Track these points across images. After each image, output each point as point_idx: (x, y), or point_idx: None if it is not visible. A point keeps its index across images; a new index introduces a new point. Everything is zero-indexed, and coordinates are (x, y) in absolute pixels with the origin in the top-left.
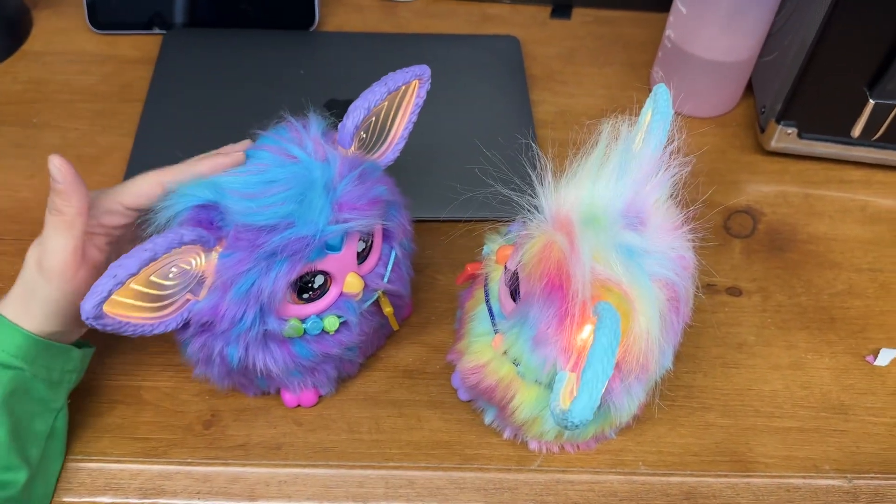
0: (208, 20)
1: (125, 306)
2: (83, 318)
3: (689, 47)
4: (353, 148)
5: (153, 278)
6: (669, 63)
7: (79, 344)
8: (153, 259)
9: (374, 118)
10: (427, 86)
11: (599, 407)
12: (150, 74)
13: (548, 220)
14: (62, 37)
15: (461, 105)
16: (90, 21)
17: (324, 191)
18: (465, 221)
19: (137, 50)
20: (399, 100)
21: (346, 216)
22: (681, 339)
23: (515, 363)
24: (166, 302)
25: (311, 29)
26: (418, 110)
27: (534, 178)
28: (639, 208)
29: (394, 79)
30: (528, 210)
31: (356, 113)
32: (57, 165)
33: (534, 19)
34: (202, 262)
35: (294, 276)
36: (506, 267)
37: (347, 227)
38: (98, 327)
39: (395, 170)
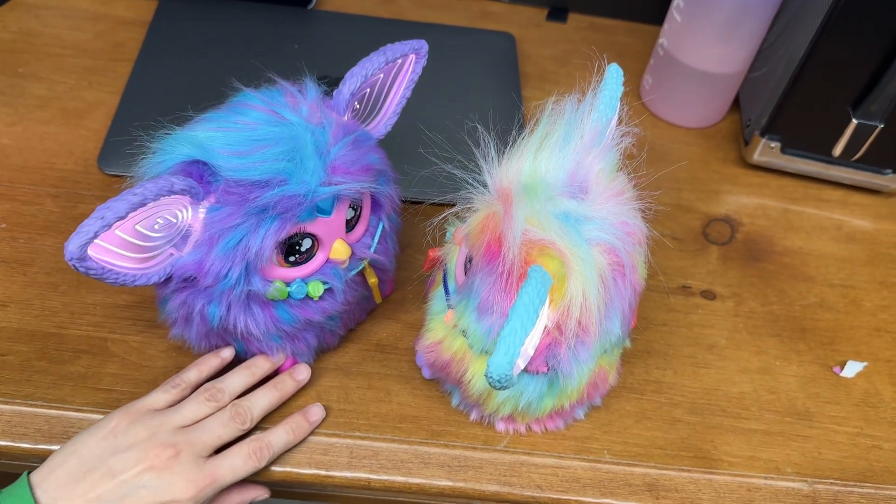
0: None
1: (109, 253)
2: (66, 258)
3: (681, 56)
4: (347, 116)
5: (138, 227)
6: (661, 71)
7: None
8: (142, 204)
9: (368, 90)
10: (423, 62)
11: (547, 375)
12: (143, 37)
13: (492, 193)
14: None
15: (452, 93)
16: None
17: (317, 152)
18: (449, 204)
19: (132, 11)
20: (395, 74)
21: (338, 179)
22: (635, 305)
23: (465, 335)
24: (149, 254)
25: (309, 7)
26: (413, 86)
27: (477, 155)
28: (582, 178)
29: (392, 49)
30: (474, 186)
31: (353, 80)
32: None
33: (530, 20)
34: (188, 215)
35: (283, 234)
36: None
37: (339, 190)
38: (81, 270)
39: (383, 146)
